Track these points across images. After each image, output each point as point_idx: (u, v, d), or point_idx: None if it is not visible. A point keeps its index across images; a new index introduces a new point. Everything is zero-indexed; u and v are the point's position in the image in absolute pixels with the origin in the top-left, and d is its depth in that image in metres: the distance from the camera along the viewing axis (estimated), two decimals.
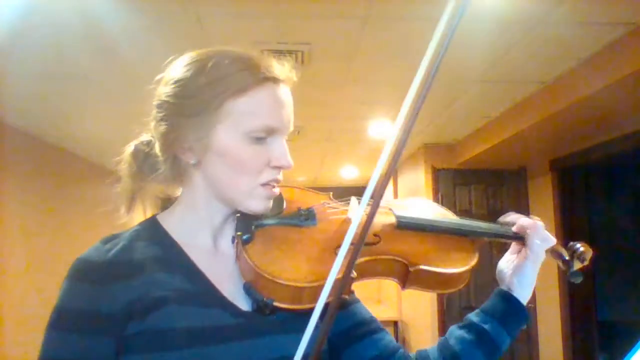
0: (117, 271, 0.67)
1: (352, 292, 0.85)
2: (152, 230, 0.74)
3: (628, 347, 0.75)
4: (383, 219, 0.83)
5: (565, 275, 0.88)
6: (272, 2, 1.79)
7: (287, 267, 0.70)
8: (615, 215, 3.67)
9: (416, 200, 0.95)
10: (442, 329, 3.66)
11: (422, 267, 0.78)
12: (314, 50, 2.19)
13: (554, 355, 3.33)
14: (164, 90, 0.73)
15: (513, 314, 0.81)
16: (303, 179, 5.92)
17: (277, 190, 0.74)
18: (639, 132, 2.56)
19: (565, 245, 0.91)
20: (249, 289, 0.71)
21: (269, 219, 0.76)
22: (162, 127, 0.72)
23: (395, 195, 4.99)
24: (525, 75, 2.47)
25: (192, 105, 0.70)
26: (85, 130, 3.49)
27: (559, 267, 0.91)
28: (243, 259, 0.71)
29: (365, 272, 0.76)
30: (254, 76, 0.69)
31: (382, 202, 0.83)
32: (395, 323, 5.01)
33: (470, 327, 0.80)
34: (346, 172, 5.48)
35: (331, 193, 0.87)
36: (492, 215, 4.12)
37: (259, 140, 0.70)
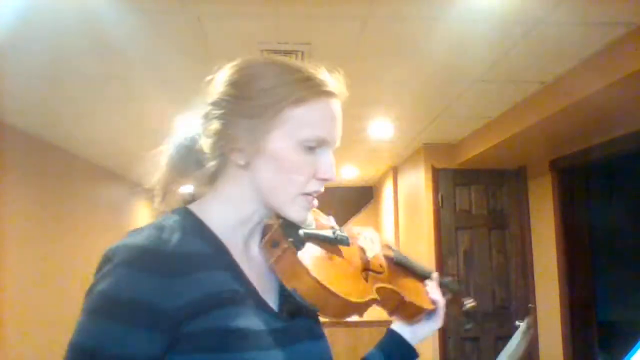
0: (179, 265, 0.64)
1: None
2: (195, 224, 0.72)
3: (628, 347, 0.75)
4: (385, 252, 0.93)
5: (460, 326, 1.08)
6: (272, 2, 1.79)
7: (336, 280, 0.73)
8: (615, 215, 3.66)
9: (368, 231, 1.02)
10: (442, 329, 3.66)
11: (411, 300, 0.89)
12: (314, 50, 2.19)
13: (554, 355, 3.33)
14: (222, 89, 0.74)
15: (407, 353, 0.92)
16: None
17: (316, 202, 0.76)
18: (639, 132, 2.56)
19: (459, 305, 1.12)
20: (293, 294, 0.72)
21: (314, 232, 0.78)
22: (215, 125, 0.72)
23: (396, 195, 5.00)
24: (525, 75, 2.47)
25: (251, 107, 0.70)
26: (85, 130, 3.49)
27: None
28: (292, 263, 0.73)
29: (380, 297, 0.83)
30: (314, 88, 0.71)
31: (379, 240, 0.94)
32: None
33: None
34: (346, 172, 5.48)
35: (331, 213, 0.91)
36: (492, 215, 4.10)
37: (310, 150, 0.72)
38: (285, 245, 0.75)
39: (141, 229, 0.68)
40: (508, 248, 3.77)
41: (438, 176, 3.87)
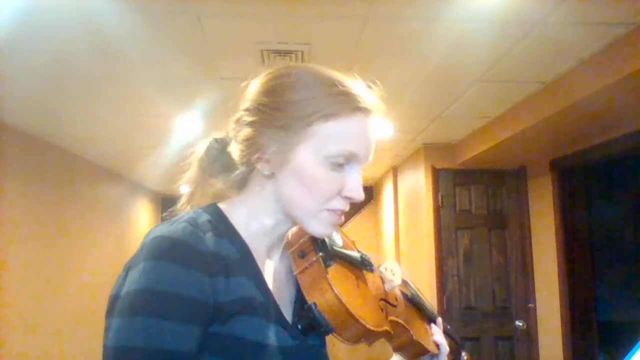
0: (218, 265, 0.64)
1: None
2: (226, 226, 0.71)
3: (628, 347, 0.75)
4: (402, 287, 0.93)
5: None
6: (272, 2, 1.79)
7: (357, 303, 0.72)
8: (615, 215, 3.67)
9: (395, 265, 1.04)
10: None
11: (418, 339, 0.89)
12: (314, 50, 2.19)
13: (554, 355, 3.33)
14: (255, 97, 0.73)
15: None
16: None
17: (342, 218, 0.74)
18: (639, 132, 2.56)
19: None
20: (312, 310, 0.70)
21: (343, 252, 0.78)
22: (246, 132, 0.72)
23: (396, 196, 5.00)
24: (525, 75, 2.47)
25: (281, 119, 0.69)
26: (85, 130, 3.49)
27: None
28: (320, 279, 0.71)
29: (392, 329, 0.83)
30: (348, 104, 0.69)
31: (400, 273, 0.92)
32: None
33: None
34: None
35: (354, 242, 0.91)
36: (492, 215, 4.10)
37: (337, 166, 0.70)
38: (314, 258, 0.74)
39: (176, 222, 0.66)
40: (508, 248, 3.77)
41: (438, 176, 3.88)
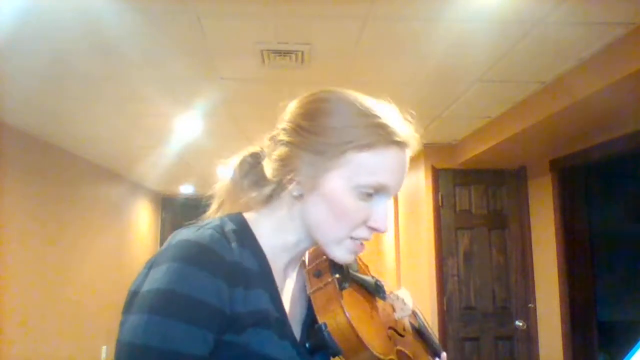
0: (239, 275, 0.65)
1: None
2: (250, 239, 0.72)
3: (628, 347, 0.75)
4: (411, 318, 0.92)
5: None
6: (272, 2, 1.79)
7: (367, 329, 0.72)
8: (615, 215, 3.67)
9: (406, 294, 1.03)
10: (443, 329, 3.67)
11: None
12: (314, 50, 2.19)
13: (554, 355, 3.33)
14: (293, 118, 0.73)
15: None
16: None
17: (364, 248, 0.74)
18: (639, 132, 2.56)
19: None
20: (322, 330, 0.70)
21: (359, 276, 0.78)
22: (281, 151, 0.73)
23: (396, 196, 4.99)
24: (525, 75, 2.47)
25: (317, 143, 0.70)
26: (85, 130, 3.49)
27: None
28: (332, 301, 0.71)
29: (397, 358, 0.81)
30: (384, 137, 0.70)
31: (411, 303, 0.91)
32: None
33: None
34: None
35: (368, 266, 0.91)
36: (492, 215, 4.10)
37: (366, 196, 0.70)
38: (329, 279, 0.74)
39: (204, 228, 0.67)
40: (508, 248, 3.77)
41: (438, 176, 3.87)
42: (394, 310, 0.85)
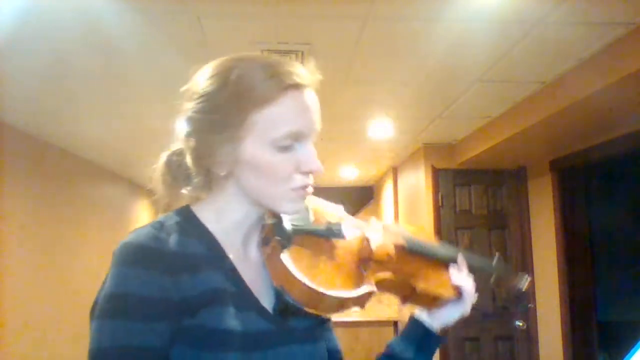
0: (181, 263, 0.67)
1: (330, 319, 0.91)
2: (195, 226, 0.74)
3: (628, 347, 0.75)
4: (395, 240, 0.90)
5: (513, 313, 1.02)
6: (272, 2, 1.79)
7: (321, 275, 0.74)
8: (615, 215, 3.66)
9: (398, 226, 1.02)
10: (443, 329, 3.66)
11: (424, 288, 0.87)
12: (314, 50, 2.19)
13: (554, 355, 3.33)
14: (189, 106, 0.74)
15: (429, 339, 0.91)
16: None
17: (310, 190, 0.76)
18: (639, 132, 2.56)
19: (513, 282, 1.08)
20: (281, 292, 0.73)
21: (303, 228, 0.79)
22: (192, 142, 0.74)
23: (395, 195, 4.99)
24: (525, 75, 2.47)
25: (218, 120, 0.70)
26: (85, 130, 3.49)
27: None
28: (279, 262, 0.73)
29: (381, 288, 0.83)
30: (277, 85, 0.69)
31: (393, 227, 0.94)
32: (395, 323, 5.00)
33: (392, 357, 0.88)
34: (346, 172, 5.48)
35: (342, 207, 0.91)
36: (492, 215, 4.10)
37: (287, 148, 0.70)
38: (274, 244, 0.76)
39: (142, 228, 0.70)
40: (508, 248, 3.77)
41: (438, 176, 3.87)
42: (369, 242, 0.85)
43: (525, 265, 3.65)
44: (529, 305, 0.92)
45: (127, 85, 2.59)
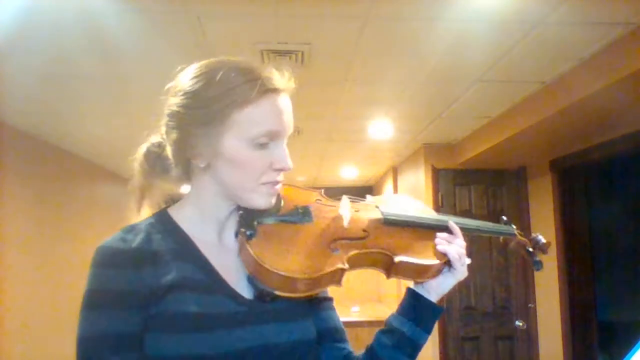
0: (143, 258, 0.75)
1: (332, 299, 0.95)
2: (166, 223, 0.82)
3: (628, 347, 0.75)
4: (371, 215, 0.93)
5: (529, 265, 1.01)
6: (272, 2, 1.79)
7: (286, 260, 0.78)
8: (615, 215, 3.66)
9: (399, 196, 1.05)
10: (442, 329, 3.66)
11: (404, 259, 0.87)
12: (314, 50, 2.19)
13: (554, 355, 3.33)
14: (174, 101, 0.80)
15: (427, 311, 0.90)
16: (303, 179, 5.93)
17: (279, 187, 0.82)
18: (639, 132, 2.56)
19: (526, 236, 1.06)
20: (252, 280, 0.79)
21: (270, 216, 0.84)
22: (174, 135, 0.80)
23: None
24: (525, 75, 2.47)
25: (202, 116, 0.77)
26: (85, 130, 3.49)
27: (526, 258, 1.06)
28: (246, 252, 0.79)
29: (356, 264, 0.85)
30: (257, 88, 0.76)
31: (370, 200, 0.99)
32: None
33: (391, 332, 0.89)
34: (346, 172, 5.48)
35: (322, 190, 0.95)
36: (492, 215, 4.10)
37: (263, 145, 0.78)
38: (241, 235, 0.81)
39: (115, 233, 0.78)
40: (508, 248, 3.77)
41: (438, 176, 3.88)
42: (342, 220, 0.87)
43: (525, 265, 3.65)
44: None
45: (127, 85, 2.59)
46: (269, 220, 0.83)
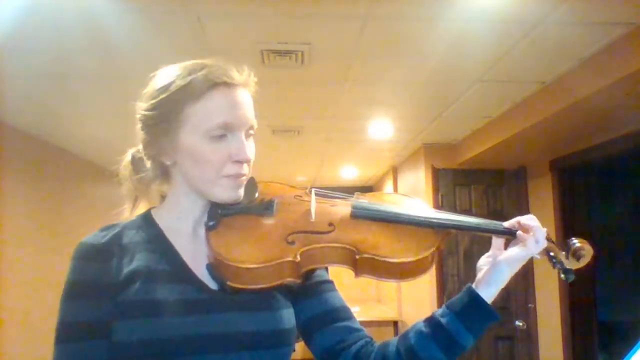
0: (110, 252, 0.81)
1: (331, 282, 0.93)
2: (144, 220, 0.88)
3: (628, 347, 0.75)
4: (341, 209, 0.89)
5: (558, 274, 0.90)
6: (272, 2, 1.79)
7: (237, 250, 0.80)
8: (615, 215, 3.67)
9: (392, 195, 1.02)
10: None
11: (368, 255, 0.81)
12: (314, 50, 2.19)
13: (554, 355, 3.33)
14: (140, 105, 0.86)
15: (474, 309, 0.81)
16: (303, 179, 5.92)
17: (242, 180, 0.84)
18: (639, 132, 2.56)
19: (563, 242, 0.90)
20: (210, 270, 0.82)
21: (232, 209, 0.86)
22: (142, 137, 0.86)
23: None
24: (525, 75, 2.47)
25: (159, 116, 0.82)
26: (85, 130, 3.49)
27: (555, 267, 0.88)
28: (207, 243, 0.82)
29: (316, 259, 0.83)
30: (207, 82, 0.80)
31: (314, 201, 0.91)
32: (395, 323, 5.01)
33: (430, 320, 0.83)
34: (346, 172, 5.48)
35: (312, 188, 0.93)
36: (492, 215, 4.11)
37: (219, 138, 0.80)
38: (205, 227, 0.85)
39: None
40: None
41: (438, 176, 3.87)
42: (307, 214, 0.87)
43: (525, 265, 3.65)
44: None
45: (127, 85, 2.58)
46: (231, 213, 0.85)
